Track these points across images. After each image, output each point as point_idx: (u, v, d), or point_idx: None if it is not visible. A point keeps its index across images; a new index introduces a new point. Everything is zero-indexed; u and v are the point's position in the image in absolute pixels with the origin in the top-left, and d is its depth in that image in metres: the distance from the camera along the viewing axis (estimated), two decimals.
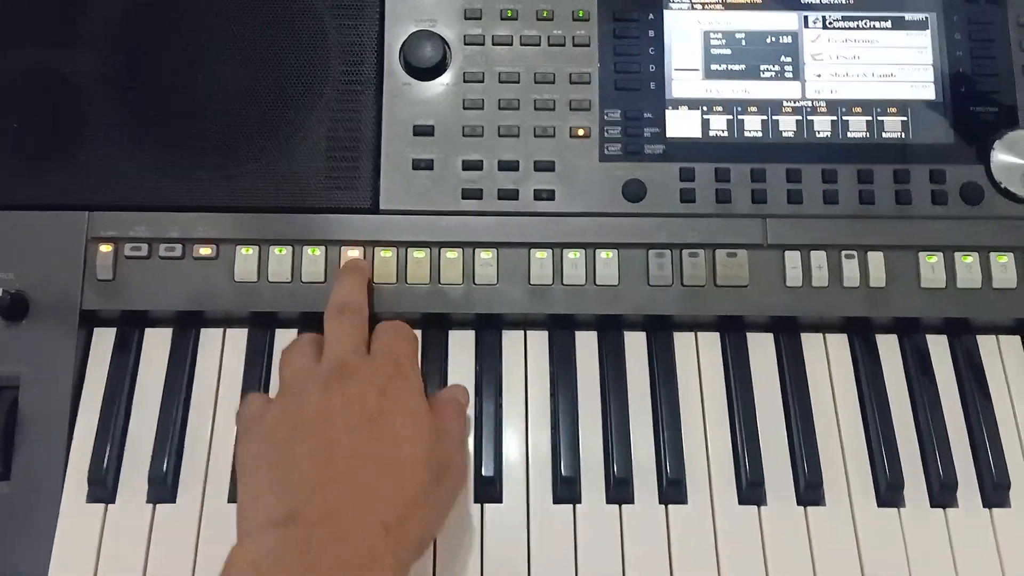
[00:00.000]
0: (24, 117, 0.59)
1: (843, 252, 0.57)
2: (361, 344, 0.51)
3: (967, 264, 0.57)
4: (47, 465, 0.54)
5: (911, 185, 0.58)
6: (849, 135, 0.59)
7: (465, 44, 0.60)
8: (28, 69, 0.59)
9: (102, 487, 0.53)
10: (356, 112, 0.59)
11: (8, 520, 0.53)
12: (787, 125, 0.59)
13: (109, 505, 0.53)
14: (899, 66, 0.60)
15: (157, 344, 0.57)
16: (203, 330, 0.58)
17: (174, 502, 0.53)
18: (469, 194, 0.58)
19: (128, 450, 0.54)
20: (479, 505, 0.53)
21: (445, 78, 0.60)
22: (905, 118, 0.59)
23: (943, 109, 0.60)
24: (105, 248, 0.57)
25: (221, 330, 0.58)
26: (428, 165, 0.59)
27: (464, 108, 0.59)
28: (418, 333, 0.58)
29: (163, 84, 0.59)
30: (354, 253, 0.58)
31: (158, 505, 0.53)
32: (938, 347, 0.58)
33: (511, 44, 0.60)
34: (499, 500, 0.54)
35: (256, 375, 0.56)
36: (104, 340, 0.57)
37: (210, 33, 0.60)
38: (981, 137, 0.59)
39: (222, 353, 0.57)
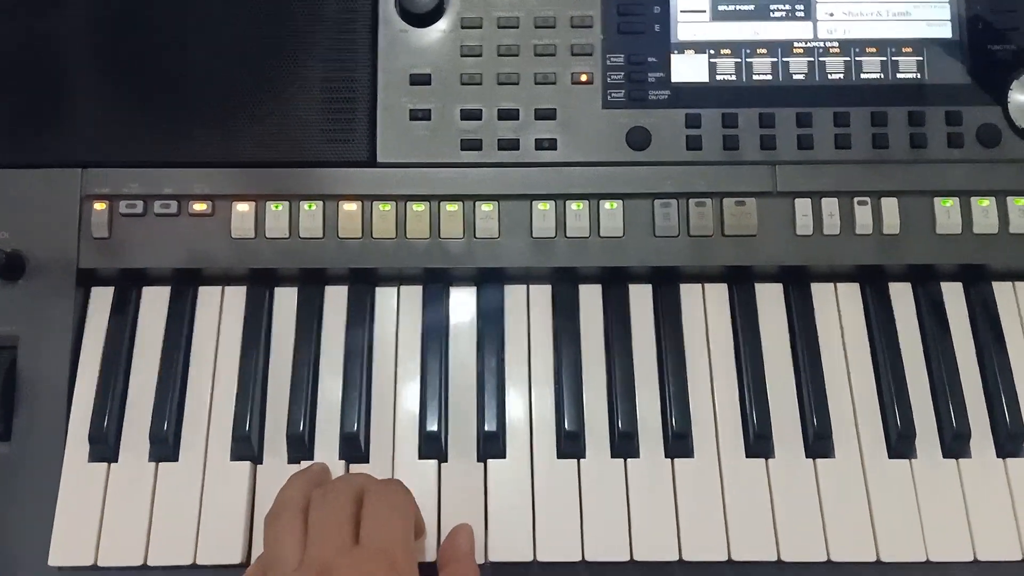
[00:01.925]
0: (13, 76, 0.58)
1: (856, 199, 0.55)
2: (347, 533, 0.45)
3: (984, 208, 0.55)
4: (48, 425, 0.54)
5: (926, 128, 0.56)
6: (862, 76, 0.57)
7: None
8: (18, 26, 0.58)
9: (104, 446, 0.53)
10: (351, 61, 0.57)
11: (10, 480, 0.53)
12: (798, 67, 0.57)
13: (111, 464, 0.53)
14: (914, 4, 0.58)
15: (155, 302, 0.57)
16: (201, 288, 0.57)
17: (176, 460, 0.53)
18: (468, 145, 0.57)
19: (129, 409, 0.54)
20: (482, 462, 0.53)
21: (442, 24, 0.58)
22: (920, 58, 0.57)
23: (960, 48, 0.57)
24: (100, 206, 0.56)
25: (219, 288, 0.57)
26: (426, 115, 0.57)
27: (462, 55, 0.57)
28: (418, 290, 0.57)
29: (153, 39, 0.58)
30: (352, 207, 0.56)
31: (160, 463, 0.53)
32: (953, 295, 0.56)
33: None
34: (502, 456, 0.53)
35: (255, 332, 0.56)
36: (102, 299, 0.57)
37: None
38: (999, 77, 0.56)
39: (221, 311, 0.57)
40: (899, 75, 0.57)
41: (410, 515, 0.48)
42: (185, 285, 0.57)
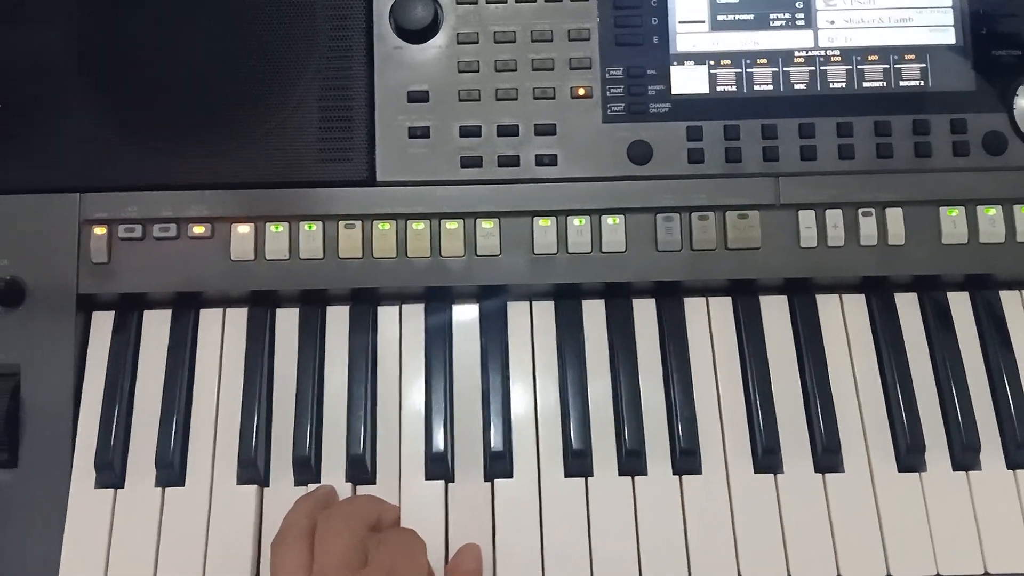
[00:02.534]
0: (8, 99, 0.57)
1: (860, 209, 0.55)
2: (354, 553, 0.45)
3: (990, 217, 0.55)
4: (53, 451, 0.54)
5: (931, 136, 0.56)
6: (865, 85, 0.56)
7: (457, 3, 0.57)
8: (9, 50, 0.57)
9: (110, 472, 0.53)
10: (347, 80, 0.57)
11: (18, 507, 0.53)
12: (799, 77, 0.56)
13: (118, 490, 0.53)
14: (917, 9, 0.57)
15: (156, 326, 0.56)
16: (202, 311, 0.57)
17: (183, 485, 0.53)
18: (468, 162, 0.56)
19: (134, 434, 0.54)
20: (489, 482, 0.52)
21: (438, 40, 0.57)
22: (924, 65, 0.56)
23: (963, 54, 0.57)
24: (99, 231, 0.56)
25: (220, 310, 0.57)
26: (424, 133, 0.56)
27: (459, 71, 0.57)
28: (420, 308, 0.57)
29: (149, 62, 0.57)
30: (352, 227, 0.56)
31: (167, 488, 0.53)
32: (959, 304, 0.56)
33: (506, 1, 0.57)
34: (509, 475, 0.53)
35: (257, 355, 0.55)
36: (103, 324, 0.56)
37: (193, 6, 0.57)
38: (1004, 83, 0.56)
39: (223, 333, 0.56)
40: (902, 83, 0.56)
41: (423, 554, 0.47)
42: (186, 308, 0.57)
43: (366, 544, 0.47)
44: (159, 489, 0.53)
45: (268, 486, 0.53)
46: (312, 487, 0.53)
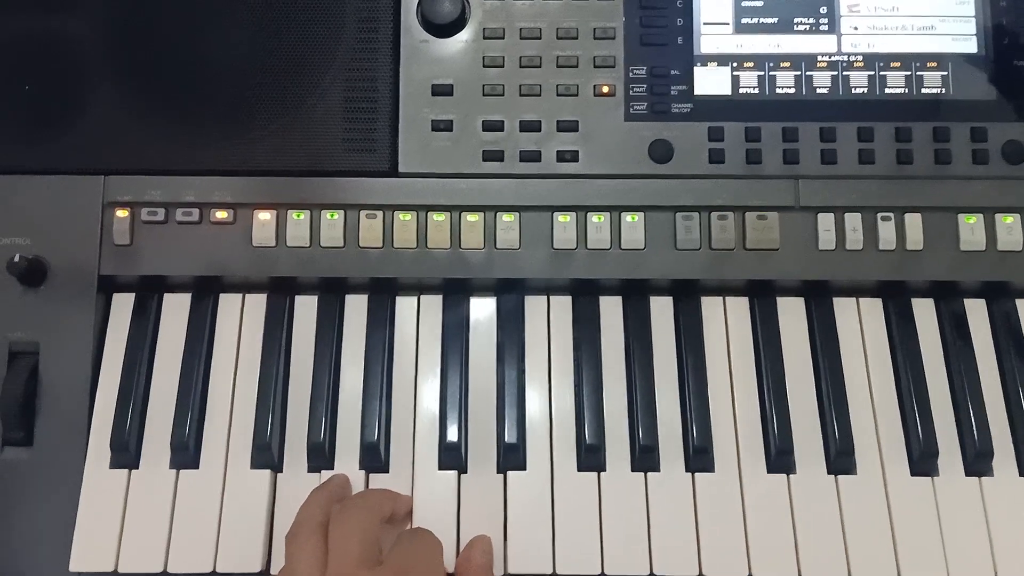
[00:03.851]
0: (37, 81, 0.58)
1: (879, 214, 0.55)
2: (369, 550, 0.45)
3: (1008, 225, 0.55)
4: (69, 431, 0.54)
5: (951, 144, 0.56)
6: (887, 91, 0.57)
7: None
8: (39, 33, 0.58)
9: (125, 453, 0.53)
10: (373, 72, 0.57)
11: (32, 485, 0.53)
12: (821, 81, 0.57)
13: (132, 471, 0.53)
14: (939, 18, 0.58)
15: (176, 310, 0.57)
16: (222, 296, 0.57)
17: (197, 468, 0.53)
18: (490, 156, 0.57)
19: (150, 416, 0.54)
20: (502, 474, 0.53)
21: (464, 35, 0.58)
22: (945, 73, 0.57)
23: (985, 63, 0.57)
24: (122, 213, 0.56)
25: (240, 296, 0.57)
26: (447, 126, 0.57)
27: (484, 66, 0.57)
28: (438, 300, 0.57)
29: (177, 46, 0.58)
30: (373, 216, 0.56)
31: (181, 471, 0.53)
32: (976, 312, 0.56)
33: None
34: (523, 468, 0.53)
35: (275, 341, 0.56)
36: (123, 306, 0.57)
37: None
38: None
39: (241, 319, 0.57)
40: (924, 90, 0.57)
41: (439, 555, 0.48)
42: (205, 293, 0.57)
43: (380, 541, 0.47)
44: (173, 471, 0.53)
45: (282, 471, 0.53)
46: (326, 474, 0.53)
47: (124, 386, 0.54)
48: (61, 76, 0.58)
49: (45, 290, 0.56)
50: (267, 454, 0.53)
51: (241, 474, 0.53)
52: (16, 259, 0.54)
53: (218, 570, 0.51)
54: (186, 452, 0.53)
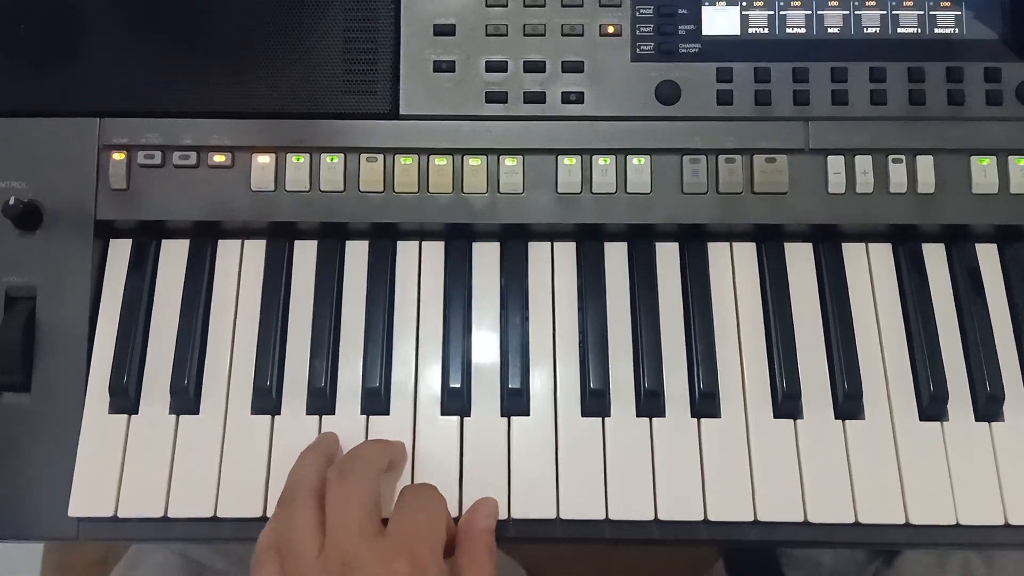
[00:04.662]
0: (31, 22, 0.56)
1: (890, 156, 0.54)
2: (369, 516, 0.44)
3: (1021, 168, 0.54)
4: (67, 376, 0.53)
5: (964, 84, 0.55)
6: (899, 30, 0.55)
7: None
8: None
9: (124, 397, 0.52)
10: (373, 11, 0.56)
11: (30, 431, 0.52)
12: (833, 20, 0.55)
13: (132, 416, 0.52)
14: None
15: (174, 255, 0.56)
16: (220, 241, 0.56)
17: (197, 413, 0.53)
18: (493, 97, 0.55)
19: (149, 361, 0.54)
20: (506, 419, 0.52)
21: None
22: (959, 12, 0.55)
23: (999, 2, 0.56)
24: (118, 156, 0.55)
25: (239, 241, 0.56)
26: (450, 67, 0.56)
27: (487, 5, 0.56)
28: (440, 245, 0.56)
29: None
30: (373, 160, 0.55)
31: (181, 416, 0.52)
32: (987, 256, 0.55)
33: None
34: (526, 413, 0.52)
35: (275, 286, 0.55)
36: (120, 251, 0.56)
37: None
38: None
39: (240, 264, 0.56)
40: (937, 29, 0.55)
41: (442, 517, 0.47)
42: (204, 238, 0.56)
43: (379, 502, 0.45)
44: (173, 416, 0.52)
45: (280, 415, 0.53)
46: (326, 419, 0.52)
47: (123, 331, 0.54)
48: (56, 17, 0.56)
49: (42, 234, 0.55)
50: (267, 399, 0.52)
51: (241, 419, 0.52)
52: (11, 202, 0.53)
53: (219, 515, 0.50)
54: (186, 397, 0.52)
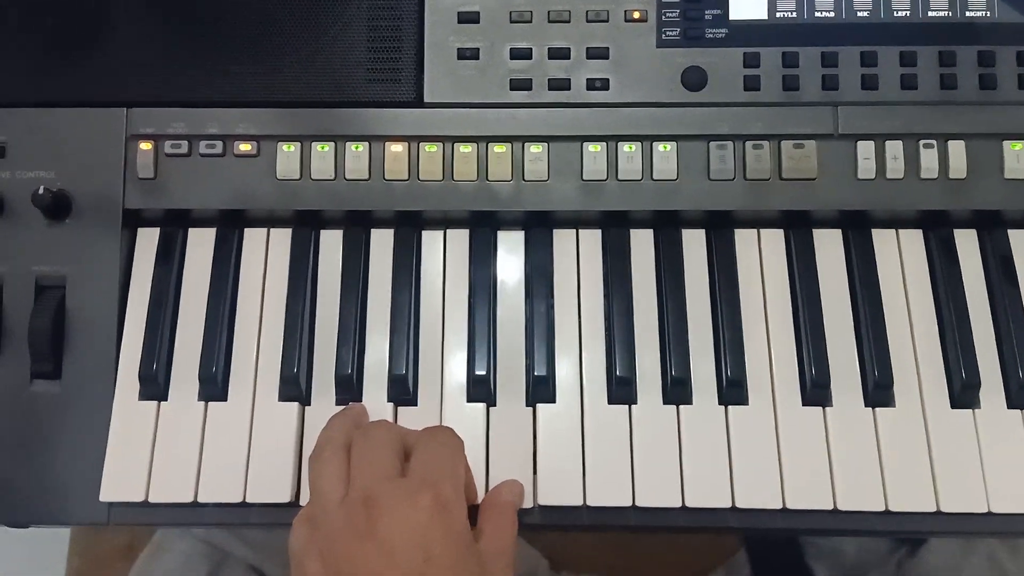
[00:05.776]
0: (59, 13, 0.57)
1: (921, 141, 0.53)
2: (392, 461, 0.45)
3: None
4: (97, 364, 0.54)
5: (996, 68, 0.54)
6: (930, 14, 0.55)
7: None
8: None
9: (154, 385, 0.53)
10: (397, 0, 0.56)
11: (61, 417, 0.53)
12: (862, 4, 0.55)
13: (161, 403, 0.53)
14: None
15: (201, 243, 0.56)
16: (247, 230, 0.57)
17: (225, 400, 0.53)
18: (518, 84, 0.55)
19: (178, 348, 0.54)
20: (532, 406, 0.52)
21: None
22: None
23: None
24: (145, 146, 0.56)
25: (265, 230, 0.57)
26: (474, 54, 0.55)
27: None
28: (465, 233, 0.56)
29: None
30: (398, 148, 0.55)
31: (210, 403, 0.53)
32: (1020, 242, 0.54)
33: None
34: (552, 400, 0.52)
35: (301, 275, 0.55)
36: (148, 239, 0.56)
37: None
38: None
39: (267, 252, 0.56)
40: (968, 13, 0.55)
41: (461, 456, 0.47)
42: (230, 226, 0.56)
43: (402, 455, 0.46)
44: (202, 403, 0.53)
45: (309, 404, 0.53)
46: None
47: (151, 319, 0.54)
48: (83, 8, 0.57)
49: (71, 223, 0.55)
50: (295, 387, 0.53)
51: (269, 406, 0.53)
52: (40, 192, 0.54)
53: (248, 500, 0.51)
54: (214, 384, 0.53)
